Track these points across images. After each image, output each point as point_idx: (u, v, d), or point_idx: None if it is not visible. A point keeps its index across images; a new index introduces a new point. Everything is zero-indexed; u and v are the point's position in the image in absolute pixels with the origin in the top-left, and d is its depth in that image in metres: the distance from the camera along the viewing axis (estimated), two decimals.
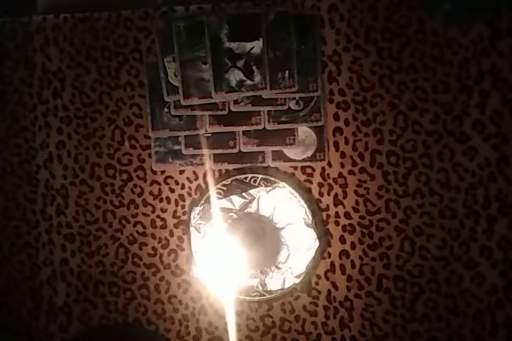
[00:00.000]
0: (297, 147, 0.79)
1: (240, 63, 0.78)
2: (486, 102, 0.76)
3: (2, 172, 0.84)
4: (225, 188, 0.79)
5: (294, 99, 0.79)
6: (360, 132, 0.78)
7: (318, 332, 0.78)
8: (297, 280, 0.77)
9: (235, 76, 0.78)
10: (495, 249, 0.75)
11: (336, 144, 0.78)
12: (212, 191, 0.79)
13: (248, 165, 0.80)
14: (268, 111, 0.79)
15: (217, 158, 0.80)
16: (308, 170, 0.79)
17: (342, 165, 0.78)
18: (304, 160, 0.79)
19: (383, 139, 0.78)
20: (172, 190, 0.81)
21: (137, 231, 0.81)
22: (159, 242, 0.81)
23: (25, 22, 0.84)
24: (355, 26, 0.78)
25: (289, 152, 0.79)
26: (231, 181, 0.79)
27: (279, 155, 0.80)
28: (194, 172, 0.81)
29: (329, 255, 0.78)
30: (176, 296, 0.80)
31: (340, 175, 0.78)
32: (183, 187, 0.81)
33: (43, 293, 0.83)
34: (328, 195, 0.78)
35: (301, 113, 0.79)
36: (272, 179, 0.78)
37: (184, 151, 0.80)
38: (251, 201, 0.79)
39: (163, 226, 0.81)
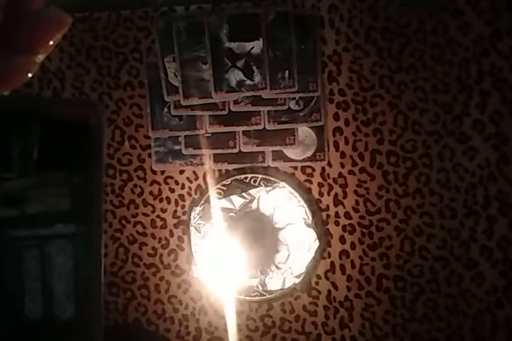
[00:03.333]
0: (297, 147, 0.79)
1: (240, 63, 0.78)
2: (486, 102, 0.76)
3: None
4: (225, 188, 0.79)
5: (294, 99, 0.79)
6: (360, 132, 0.78)
7: (318, 332, 0.78)
8: (297, 280, 0.77)
9: (235, 76, 0.78)
10: (495, 249, 0.75)
11: (336, 144, 0.78)
12: (212, 191, 0.79)
13: (248, 165, 0.80)
14: (268, 111, 0.79)
15: (217, 158, 0.80)
16: (308, 170, 0.79)
17: (342, 165, 0.78)
18: (304, 160, 0.79)
19: (383, 139, 0.78)
20: (172, 190, 0.81)
21: (137, 231, 0.81)
22: (159, 242, 0.81)
23: None
24: (355, 26, 0.78)
25: (289, 152, 0.79)
26: (231, 181, 0.79)
27: (279, 155, 0.79)
28: (194, 172, 0.81)
29: (329, 255, 0.78)
30: (176, 296, 0.80)
31: (340, 175, 0.78)
32: (183, 187, 0.81)
33: None
34: (328, 195, 0.78)
35: (301, 113, 0.79)
36: (272, 179, 0.78)
37: (184, 151, 0.80)
38: (251, 201, 0.79)
39: (163, 226, 0.81)
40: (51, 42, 0.22)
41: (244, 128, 0.79)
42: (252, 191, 0.78)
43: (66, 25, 0.22)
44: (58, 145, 0.20)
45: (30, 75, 0.22)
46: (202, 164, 0.80)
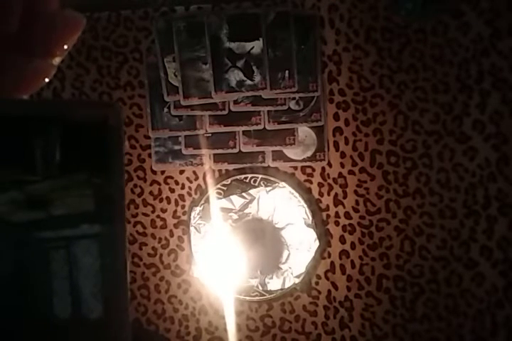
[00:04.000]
0: (297, 147, 0.79)
1: (240, 63, 0.78)
2: (486, 102, 0.76)
3: None
4: (225, 188, 0.79)
5: (294, 99, 0.79)
6: (360, 132, 0.78)
7: (318, 332, 0.78)
8: (297, 280, 0.77)
9: (235, 76, 0.78)
10: (495, 249, 0.75)
11: (336, 144, 0.78)
12: (212, 191, 0.79)
13: (248, 165, 0.80)
14: (268, 111, 0.79)
15: (217, 158, 0.80)
16: (308, 170, 0.79)
17: (342, 165, 0.78)
18: (304, 160, 0.79)
19: (383, 139, 0.78)
20: (172, 190, 0.81)
21: (137, 231, 0.81)
22: (159, 242, 0.81)
23: None
24: (355, 26, 0.78)
25: (289, 152, 0.79)
26: (231, 181, 0.79)
27: (279, 155, 0.79)
28: (194, 172, 0.81)
29: (329, 255, 0.78)
30: (176, 296, 0.80)
31: (340, 175, 0.78)
32: (183, 187, 0.81)
33: None
34: (328, 195, 0.78)
35: (301, 113, 0.79)
36: (272, 179, 0.78)
37: (184, 151, 0.80)
38: (251, 201, 0.79)
39: (163, 226, 0.81)
40: (67, 45, 0.22)
41: (244, 128, 0.79)
42: (252, 191, 0.78)
43: (81, 27, 0.22)
44: (79, 146, 0.20)
45: (47, 79, 0.22)
46: (202, 164, 0.80)
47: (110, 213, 0.20)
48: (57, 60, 0.22)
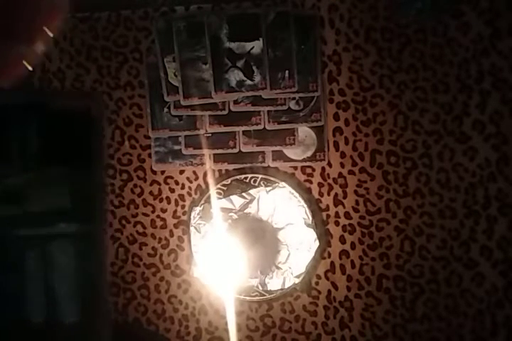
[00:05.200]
0: (297, 147, 0.79)
1: (240, 63, 0.78)
2: (486, 102, 0.76)
3: None
4: (225, 188, 0.79)
5: (294, 99, 0.79)
6: (360, 132, 0.78)
7: (318, 332, 0.78)
8: (297, 280, 0.77)
9: (235, 76, 0.78)
10: (495, 249, 0.75)
11: (336, 144, 0.78)
12: (212, 191, 0.79)
13: (248, 165, 0.80)
14: (268, 111, 0.79)
15: (217, 158, 0.80)
16: (308, 170, 0.79)
17: (342, 165, 0.78)
18: (304, 160, 0.79)
19: (383, 139, 0.78)
20: (172, 190, 0.81)
21: (137, 231, 0.81)
22: (159, 242, 0.81)
23: None
24: (355, 26, 0.78)
25: (289, 152, 0.79)
26: (231, 181, 0.79)
27: (279, 155, 0.79)
28: (194, 172, 0.81)
29: (329, 255, 0.78)
30: (176, 296, 0.80)
31: (340, 175, 0.78)
32: (183, 187, 0.81)
33: None
34: (328, 195, 0.78)
35: (301, 113, 0.79)
36: (272, 179, 0.78)
37: (184, 151, 0.80)
38: (251, 201, 0.79)
39: (163, 226, 0.81)
40: (52, 31, 0.22)
41: (244, 128, 0.79)
42: (252, 191, 0.78)
43: (66, 11, 0.22)
44: (58, 137, 0.19)
45: (30, 68, 0.22)
46: (202, 164, 0.80)
47: (89, 211, 0.19)
48: (40, 47, 0.22)
